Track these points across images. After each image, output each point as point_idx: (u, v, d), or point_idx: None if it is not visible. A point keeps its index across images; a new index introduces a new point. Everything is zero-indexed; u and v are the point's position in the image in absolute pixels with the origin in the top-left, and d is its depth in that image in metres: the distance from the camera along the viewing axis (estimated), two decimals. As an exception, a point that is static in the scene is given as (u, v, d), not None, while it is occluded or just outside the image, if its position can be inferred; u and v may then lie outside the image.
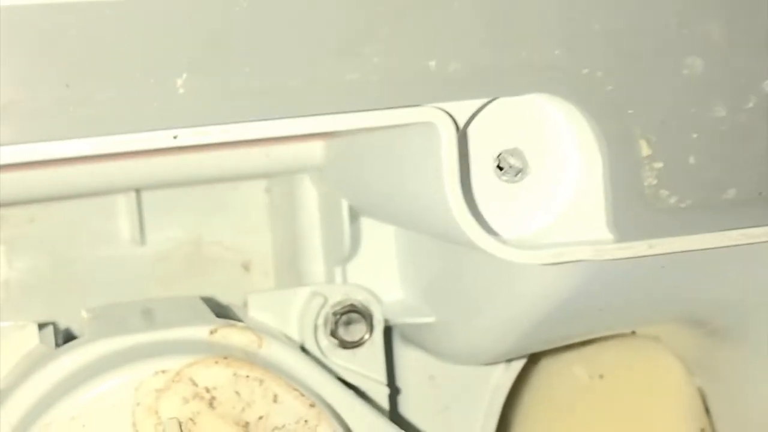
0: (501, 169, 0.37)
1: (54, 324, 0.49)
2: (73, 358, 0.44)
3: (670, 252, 0.36)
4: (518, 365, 0.56)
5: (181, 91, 0.33)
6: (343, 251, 0.51)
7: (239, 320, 0.48)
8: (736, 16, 0.36)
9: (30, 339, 0.47)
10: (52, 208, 0.55)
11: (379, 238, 0.53)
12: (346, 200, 0.50)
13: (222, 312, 0.51)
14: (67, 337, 0.51)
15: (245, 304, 0.51)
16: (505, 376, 0.56)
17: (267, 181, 0.58)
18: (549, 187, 0.37)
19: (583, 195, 0.37)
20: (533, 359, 0.60)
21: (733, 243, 0.36)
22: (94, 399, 0.41)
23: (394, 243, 0.53)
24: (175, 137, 0.33)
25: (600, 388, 0.63)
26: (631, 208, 0.36)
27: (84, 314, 0.51)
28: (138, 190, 0.54)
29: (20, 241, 0.55)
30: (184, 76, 0.33)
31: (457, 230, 0.36)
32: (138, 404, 0.42)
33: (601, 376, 0.63)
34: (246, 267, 0.59)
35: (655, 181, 0.36)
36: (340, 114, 0.34)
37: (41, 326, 0.48)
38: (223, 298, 0.56)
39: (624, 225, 0.36)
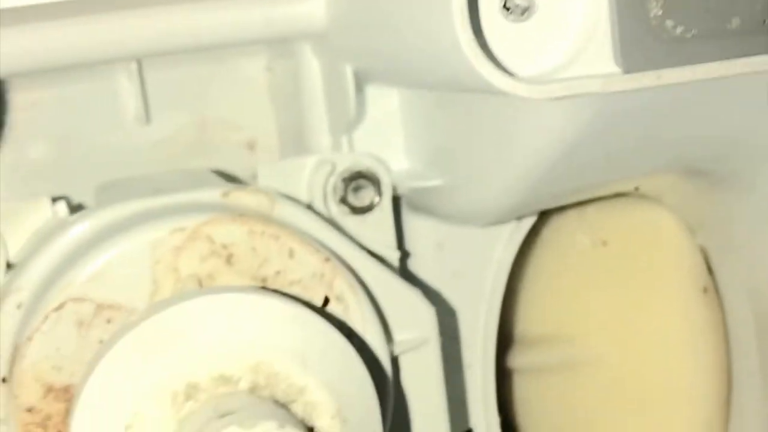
0: (507, 9, 0.38)
1: (66, 198, 0.50)
2: (89, 222, 0.45)
3: (677, 83, 0.37)
4: (524, 228, 0.57)
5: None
6: (349, 118, 0.52)
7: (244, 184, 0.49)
8: None
9: (43, 213, 0.48)
10: (54, 90, 0.55)
11: (384, 107, 0.53)
12: (350, 66, 0.50)
13: (232, 181, 0.52)
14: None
15: (254, 176, 0.51)
16: (510, 243, 0.57)
17: (267, 59, 0.58)
18: (556, 24, 0.38)
19: (590, 30, 0.37)
20: (537, 230, 0.61)
21: (738, 71, 0.37)
22: (113, 259, 0.42)
23: (399, 111, 0.54)
24: None
25: (603, 254, 0.64)
26: (638, 40, 0.37)
27: (95, 189, 0.52)
28: (140, 68, 0.54)
29: (24, 125, 0.55)
30: None
31: (468, 70, 0.36)
32: (157, 262, 0.43)
33: (604, 243, 0.63)
34: (251, 146, 0.60)
35: (660, 12, 0.37)
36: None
37: (54, 200, 0.48)
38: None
39: (631, 57, 0.37)
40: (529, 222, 0.57)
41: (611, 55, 0.37)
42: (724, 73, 0.37)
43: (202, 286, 0.43)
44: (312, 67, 0.54)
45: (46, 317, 0.41)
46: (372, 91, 0.52)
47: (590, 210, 0.61)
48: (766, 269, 0.53)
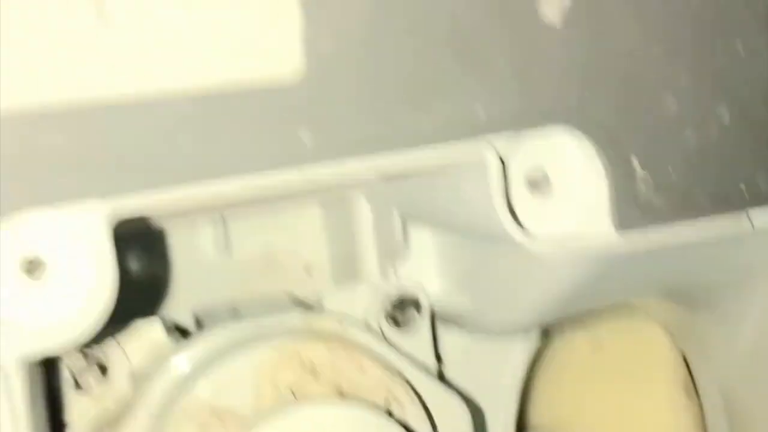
0: (531, 185, 0.50)
1: (173, 323, 0.62)
2: (203, 344, 0.56)
3: (656, 243, 0.49)
4: (536, 341, 0.68)
5: (306, 142, 0.45)
6: (395, 251, 0.64)
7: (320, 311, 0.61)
8: (698, 66, 0.49)
9: (156, 333, 0.60)
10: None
11: (423, 241, 0.65)
12: (397, 210, 0.63)
13: (304, 306, 0.64)
14: (184, 334, 0.63)
15: (319, 299, 0.63)
16: (525, 349, 0.68)
17: (324, 200, 0.70)
18: (567, 197, 0.50)
19: (594, 204, 0.50)
20: (545, 335, 0.72)
21: (700, 233, 0.49)
22: (225, 374, 0.54)
23: (434, 244, 0.66)
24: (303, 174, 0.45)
25: (600, 358, 0.75)
26: (629, 211, 0.49)
27: (193, 312, 0.64)
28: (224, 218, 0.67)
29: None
30: (308, 132, 0.45)
31: (502, 233, 0.49)
32: (259, 376, 0.54)
33: (601, 348, 0.74)
34: (308, 270, 0.72)
35: (645, 190, 0.49)
36: (416, 152, 0.47)
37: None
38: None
39: (624, 223, 0.49)
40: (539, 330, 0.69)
41: (609, 221, 0.50)
42: (691, 234, 0.50)
43: (295, 394, 0.54)
44: (363, 207, 0.66)
45: (177, 421, 0.53)
46: (413, 229, 0.65)
47: (590, 320, 0.72)
48: (736, 377, 0.64)
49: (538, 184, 0.50)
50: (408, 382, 0.58)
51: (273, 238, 0.70)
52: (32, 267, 0.44)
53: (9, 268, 0.43)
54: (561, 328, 0.71)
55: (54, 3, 0.42)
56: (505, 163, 0.48)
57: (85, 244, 0.44)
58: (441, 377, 0.64)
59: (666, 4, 0.49)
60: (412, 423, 0.56)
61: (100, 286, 0.45)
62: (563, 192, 0.50)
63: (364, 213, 0.66)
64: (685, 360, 0.70)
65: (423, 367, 0.60)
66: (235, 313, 0.63)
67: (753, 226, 0.50)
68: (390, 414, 0.55)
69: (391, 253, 0.64)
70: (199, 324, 0.63)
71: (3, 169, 0.42)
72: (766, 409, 0.63)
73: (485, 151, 0.47)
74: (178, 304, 0.66)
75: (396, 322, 0.62)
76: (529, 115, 0.48)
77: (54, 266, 0.45)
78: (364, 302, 0.62)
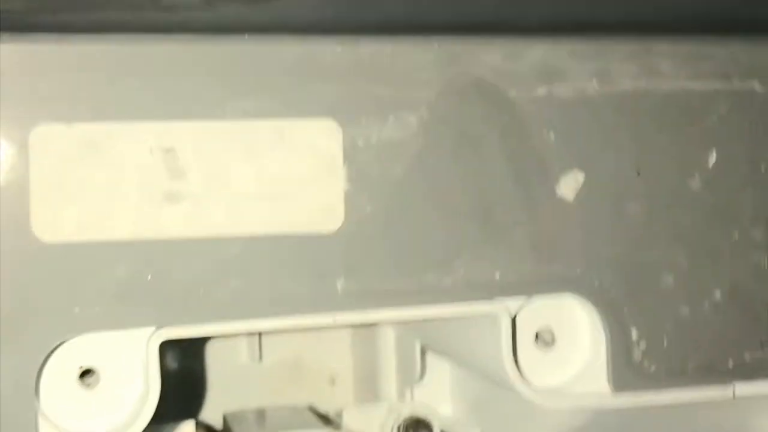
0: (538, 340, 0.56)
1: (203, 422, 0.68)
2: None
3: (648, 402, 0.55)
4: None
5: (340, 290, 0.51)
6: (414, 377, 0.70)
7: (338, 426, 0.66)
8: (696, 248, 0.55)
9: (189, 432, 0.65)
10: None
11: (439, 368, 0.71)
12: (418, 341, 0.68)
13: (325, 419, 0.69)
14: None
15: (340, 414, 0.69)
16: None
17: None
18: (570, 355, 0.56)
19: (593, 362, 0.55)
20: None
21: (687, 398, 0.55)
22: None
23: (450, 372, 0.72)
24: (335, 319, 0.51)
25: None
26: (624, 373, 0.55)
27: (224, 415, 0.70)
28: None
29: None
30: (342, 280, 0.51)
31: (508, 383, 0.54)
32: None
33: None
34: (332, 381, 0.78)
35: (640, 355, 0.55)
36: (439, 306, 0.53)
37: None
38: (317, 403, 0.75)
39: (619, 383, 0.55)
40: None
41: (605, 380, 0.55)
42: (679, 399, 0.55)
43: None
44: (388, 334, 0.72)
45: None
46: (431, 358, 0.70)
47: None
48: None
49: (543, 341, 0.56)
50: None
51: (303, 349, 0.76)
52: (89, 379, 0.50)
53: (69, 379, 0.49)
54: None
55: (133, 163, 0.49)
56: (516, 321, 0.54)
57: (136, 361, 0.50)
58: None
59: (672, 191, 0.55)
60: None
61: (146, 396, 0.51)
62: (566, 350, 0.55)
63: (388, 337, 0.72)
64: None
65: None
66: (261, 417, 0.69)
67: (734, 394, 0.55)
68: None
69: (410, 377, 0.70)
70: (227, 427, 0.69)
71: (74, 294, 0.48)
72: None
73: (498, 310, 0.53)
74: (211, 405, 0.72)
75: (409, 440, 0.67)
76: (540, 280, 0.53)
77: (107, 379, 0.51)
78: (380, 421, 0.68)
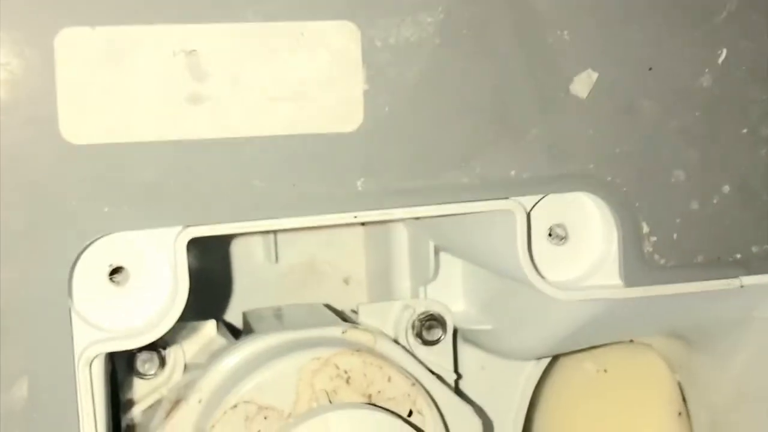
0: (551, 236, 0.58)
1: (223, 320, 0.70)
2: (252, 346, 0.64)
3: (658, 294, 0.57)
4: (546, 360, 0.76)
5: (360, 189, 0.53)
6: (428, 276, 0.72)
7: (355, 323, 0.68)
8: (706, 144, 0.56)
9: (210, 331, 0.67)
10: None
11: (452, 267, 0.73)
12: (432, 241, 0.70)
13: (341, 316, 0.71)
14: (231, 330, 0.71)
15: (356, 311, 0.71)
16: (536, 367, 0.76)
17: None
18: (582, 249, 0.57)
19: (605, 256, 0.57)
20: (554, 356, 0.80)
21: (696, 290, 0.57)
22: (271, 376, 0.61)
23: (462, 270, 0.73)
24: (355, 216, 0.53)
25: (604, 379, 0.82)
26: (635, 266, 0.56)
27: (243, 314, 0.72)
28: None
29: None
30: (362, 179, 0.53)
31: (523, 278, 0.56)
32: (300, 380, 0.62)
33: (605, 370, 0.81)
34: (346, 281, 0.79)
35: (651, 249, 0.56)
36: (456, 203, 0.54)
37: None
38: (333, 303, 0.77)
39: (630, 276, 0.56)
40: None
41: (617, 273, 0.57)
42: (688, 291, 0.57)
43: (329, 398, 0.62)
44: (402, 233, 0.74)
45: (225, 412, 0.61)
46: (444, 257, 0.72)
47: (598, 348, 0.79)
48: (723, 405, 0.71)
49: (557, 236, 0.57)
50: (429, 393, 0.65)
51: (317, 250, 0.78)
52: (119, 277, 0.52)
53: (100, 277, 0.51)
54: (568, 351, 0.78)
55: (156, 66, 0.50)
56: (530, 217, 0.55)
57: (164, 259, 0.52)
58: (458, 390, 0.71)
59: (683, 88, 0.56)
60: (432, 430, 0.63)
61: (175, 294, 0.52)
62: (579, 245, 0.57)
63: (402, 238, 0.73)
64: (680, 387, 0.77)
65: (443, 381, 0.68)
66: (278, 315, 0.71)
67: (742, 285, 0.57)
68: (411, 421, 0.62)
69: (423, 276, 0.72)
70: (247, 324, 0.70)
71: (102, 194, 0.49)
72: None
73: (513, 207, 0.54)
74: (230, 305, 0.74)
75: (422, 337, 0.69)
76: (554, 178, 0.55)
77: (136, 276, 0.52)
78: (395, 317, 0.69)
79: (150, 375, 0.65)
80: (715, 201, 0.57)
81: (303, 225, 0.53)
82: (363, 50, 0.52)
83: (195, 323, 0.66)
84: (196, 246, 0.73)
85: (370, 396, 0.63)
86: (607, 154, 0.55)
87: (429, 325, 0.69)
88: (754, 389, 0.66)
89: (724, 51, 0.56)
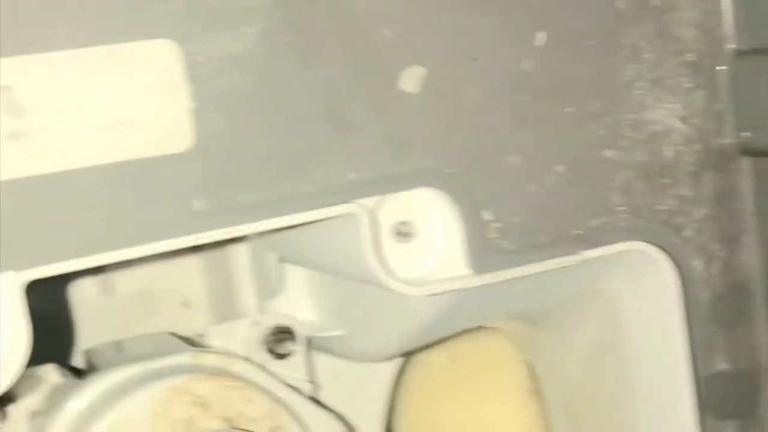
0: (398, 234, 0.57)
1: (64, 363, 0.66)
2: (98, 386, 0.61)
3: (507, 279, 0.57)
4: (400, 359, 0.76)
5: (197, 209, 0.51)
6: (273, 289, 0.70)
7: (204, 346, 0.66)
8: (537, 128, 0.57)
9: (51, 376, 0.64)
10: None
11: (297, 278, 0.72)
12: (273, 254, 0.69)
13: (188, 341, 0.69)
14: (75, 372, 0.67)
15: (203, 335, 0.69)
16: (391, 367, 0.76)
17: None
18: (429, 244, 0.57)
19: (452, 247, 0.57)
20: (408, 353, 0.80)
21: (542, 270, 0.58)
22: (124, 412, 0.59)
23: (308, 280, 0.72)
24: (196, 239, 0.51)
25: (455, 368, 0.83)
26: (482, 254, 0.57)
27: (82, 353, 0.69)
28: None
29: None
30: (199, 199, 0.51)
31: (374, 279, 0.55)
32: (154, 413, 0.60)
33: (456, 360, 0.82)
34: (186, 305, 0.77)
35: (495, 235, 0.57)
36: (299, 213, 0.53)
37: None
38: (174, 329, 0.74)
39: (478, 265, 0.57)
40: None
41: (465, 264, 0.57)
42: (535, 271, 0.58)
43: (187, 428, 0.60)
44: (240, 250, 0.72)
45: (82, 460, 0.58)
46: (288, 268, 0.71)
47: (447, 340, 0.80)
48: (573, 381, 0.73)
49: (403, 234, 0.57)
50: (289, 408, 0.64)
51: (153, 277, 0.75)
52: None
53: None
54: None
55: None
56: (375, 218, 0.55)
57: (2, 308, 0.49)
58: (317, 400, 0.71)
59: (507, 74, 0.56)
60: (295, 446, 0.62)
61: (15, 344, 0.49)
62: (425, 241, 0.57)
63: (241, 254, 0.72)
64: (531, 367, 0.78)
65: (301, 392, 0.67)
66: (120, 348, 0.68)
67: (584, 259, 0.59)
68: (276, 440, 0.61)
69: (268, 290, 0.70)
70: (89, 362, 0.67)
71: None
72: (596, 407, 0.71)
73: (357, 210, 0.54)
74: (68, 345, 0.71)
75: (274, 352, 0.68)
76: (394, 176, 0.55)
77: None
78: (244, 336, 0.68)
79: (-8, 431, 0.62)
80: (550, 181, 0.58)
81: (145, 254, 0.51)
82: (185, 67, 0.50)
83: (33, 369, 0.63)
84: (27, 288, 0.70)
85: (230, 419, 0.61)
86: (443, 147, 0.55)
87: (279, 338, 0.68)
88: (601, 361, 0.68)
89: (543, 34, 0.57)
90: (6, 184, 0.47)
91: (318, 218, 0.54)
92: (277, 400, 0.63)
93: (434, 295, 0.57)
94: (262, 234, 0.65)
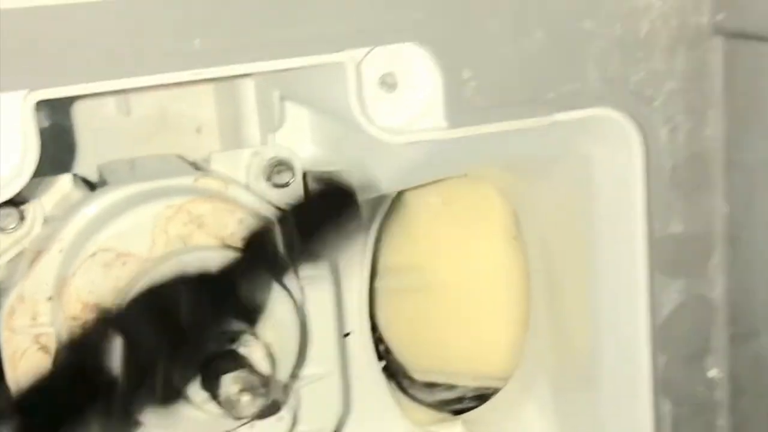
0: (382, 84, 0.62)
1: (77, 174, 0.73)
2: (108, 196, 0.68)
3: (479, 134, 0.62)
4: (391, 196, 0.82)
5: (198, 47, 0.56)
6: (274, 123, 0.76)
7: (207, 171, 0.72)
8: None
9: (66, 185, 0.71)
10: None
11: (298, 114, 0.77)
12: (277, 91, 0.74)
13: (194, 165, 0.75)
14: (87, 184, 0.74)
15: (208, 160, 0.75)
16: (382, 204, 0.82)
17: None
18: (410, 96, 0.62)
19: (431, 101, 0.62)
20: (400, 194, 0.85)
21: (513, 128, 0.62)
22: (127, 224, 0.65)
23: (309, 117, 0.78)
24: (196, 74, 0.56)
25: (447, 211, 0.88)
26: (457, 109, 0.62)
27: (98, 167, 0.75)
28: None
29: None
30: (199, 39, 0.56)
31: (356, 124, 0.61)
32: (154, 227, 0.66)
33: (448, 203, 0.88)
34: (199, 130, 0.83)
35: (472, 92, 0.62)
36: (291, 58, 0.58)
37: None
38: (186, 152, 0.80)
39: (453, 118, 0.62)
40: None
41: (442, 116, 0.62)
42: (506, 129, 0.62)
43: (184, 242, 0.67)
44: (248, 85, 0.77)
45: (85, 260, 0.65)
46: (290, 105, 0.76)
47: (439, 182, 0.86)
48: (550, 227, 0.79)
49: (387, 85, 0.62)
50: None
51: (169, 102, 0.81)
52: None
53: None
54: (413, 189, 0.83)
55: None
56: (361, 68, 0.60)
57: (14, 122, 0.55)
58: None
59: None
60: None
61: (25, 154, 0.55)
62: (407, 93, 0.62)
63: (249, 89, 0.77)
64: (515, 214, 0.84)
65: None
66: (132, 167, 0.74)
67: (554, 121, 0.63)
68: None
69: (270, 124, 0.76)
70: (102, 176, 0.74)
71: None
72: (568, 251, 0.76)
73: (344, 59, 0.59)
74: (84, 160, 0.77)
75: (272, 181, 0.74)
76: (382, 30, 0.59)
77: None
78: (245, 164, 0.74)
79: (11, 229, 0.68)
80: (528, 46, 0.62)
81: (145, 84, 0.56)
82: None
83: (51, 178, 0.69)
84: (49, 103, 0.76)
85: (223, 239, 0.67)
86: (429, 5, 0.60)
87: (278, 169, 0.73)
88: (572, 214, 0.73)
89: None
90: (18, 12, 0.52)
91: (307, 65, 0.58)
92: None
93: (411, 143, 0.62)
94: (263, 73, 0.70)
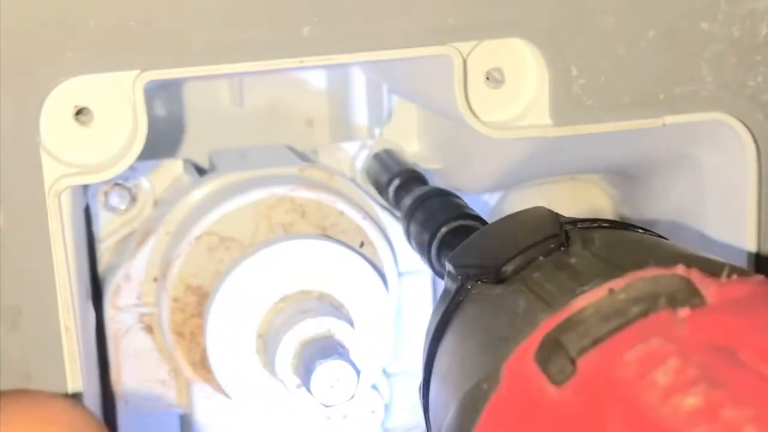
0: (488, 80, 0.62)
1: (190, 160, 0.74)
2: (216, 182, 0.69)
3: (584, 133, 0.61)
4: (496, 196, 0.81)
5: (306, 35, 0.57)
6: (382, 117, 0.76)
7: (313, 162, 0.73)
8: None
9: (177, 169, 0.72)
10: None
11: (406, 109, 0.77)
12: (385, 85, 0.74)
13: (301, 156, 0.76)
14: (198, 170, 0.75)
15: (315, 151, 0.76)
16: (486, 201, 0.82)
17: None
18: (516, 92, 0.61)
19: (537, 98, 0.61)
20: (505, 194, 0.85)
21: (621, 129, 0.61)
22: (233, 210, 0.67)
23: (417, 113, 0.78)
24: (301, 62, 0.57)
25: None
26: (564, 107, 0.61)
27: (209, 154, 0.77)
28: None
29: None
30: (308, 27, 0.57)
31: (461, 119, 0.60)
32: (258, 213, 0.67)
33: (553, 204, 0.87)
34: (309, 123, 0.84)
35: (579, 91, 0.61)
36: (397, 49, 0.58)
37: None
38: (296, 144, 0.81)
39: (559, 116, 0.61)
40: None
41: (547, 114, 0.61)
42: (613, 129, 0.61)
43: (285, 230, 0.67)
44: (359, 78, 0.78)
45: (190, 243, 0.66)
46: (399, 100, 0.77)
47: (546, 185, 0.85)
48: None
49: (494, 80, 0.61)
50: (380, 226, 0.70)
51: (281, 92, 0.82)
52: (84, 117, 0.56)
53: (66, 117, 0.55)
54: (518, 186, 0.83)
55: None
56: (467, 63, 0.59)
57: (125, 101, 0.56)
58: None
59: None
60: (381, 260, 0.69)
61: (135, 132, 0.57)
62: (513, 88, 0.61)
63: (359, 82, 0.78)
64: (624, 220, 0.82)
65: (394, 215, 0.73)
66: (242, 155, 0.76)
67: (664, 123, 0.62)
68: (362, 251, 0.68)
69: (378, 117, 0.76)
70: (212, 163, 0.75)
71: (66, 40, 0.54)
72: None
73: (451, 52, 0.58)
74: (197, 147, 0.79)
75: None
76: (490, 25, 0.59)
77: (100, 117, 0.56)
78: (351, 156, 0.75)
79: (122, 210, 0.70)
80: (641, 45, 0.61)
81: (251, 69, 0.57)
82: None
83: (163, 162, 0.71)
84: (166, 91, 0.78)
85: (324, 228, 0.68)
86: (540, 1, 0.59)
87: (384, 162, 0.74)
88: (680, 221, 0.71)
89: None
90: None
91: (415, 56, 0.58)
92: (369, 218, 0.69)
93: (516, 140, 0.61)
94: (375, 64, 0.71)
